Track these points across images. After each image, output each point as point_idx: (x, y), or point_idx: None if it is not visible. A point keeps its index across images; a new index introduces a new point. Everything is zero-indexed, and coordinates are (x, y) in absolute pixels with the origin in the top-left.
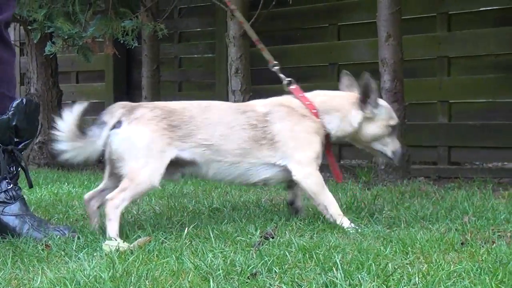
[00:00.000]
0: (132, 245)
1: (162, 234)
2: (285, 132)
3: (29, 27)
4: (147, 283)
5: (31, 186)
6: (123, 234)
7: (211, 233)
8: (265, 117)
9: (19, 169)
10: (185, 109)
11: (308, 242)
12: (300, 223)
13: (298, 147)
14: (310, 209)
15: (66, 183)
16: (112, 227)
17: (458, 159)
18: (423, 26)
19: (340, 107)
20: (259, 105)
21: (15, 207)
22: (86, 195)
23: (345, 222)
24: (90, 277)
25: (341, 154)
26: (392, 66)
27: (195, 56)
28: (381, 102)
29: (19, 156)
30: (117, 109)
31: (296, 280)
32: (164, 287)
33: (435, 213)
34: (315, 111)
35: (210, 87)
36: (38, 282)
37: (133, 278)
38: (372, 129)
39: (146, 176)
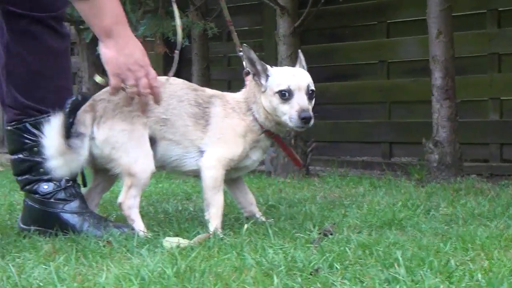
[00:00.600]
0: (192, 242)
1: (220, 230)
2: (216, 118)
3: (81, 27)
4: (211, 279)
5: (85, 185)
6: (182, 230)
7: (269, 230)
8: (210, 98)
9: None
10: None
11: (367, 239)
12: (357, 220)
13: (218, 140)
14: (365, 206)
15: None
16: (139, 225)
17: (510, 157)
18: (473, 23)
19: (249, 94)
20: (208, 89)
21: (74, 205)
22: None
23: (218, 227)
24: (154, 273)
25: (392, 151)
26: (443, 63)
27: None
28: (274, 70)
29: None
30: (82, 116)
31: (358, 276)
32: (227, 283)
33: (492, 210)
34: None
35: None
36: (103, 277)
37: (196, 274)
38: (265, 102)
39: (142, 166)
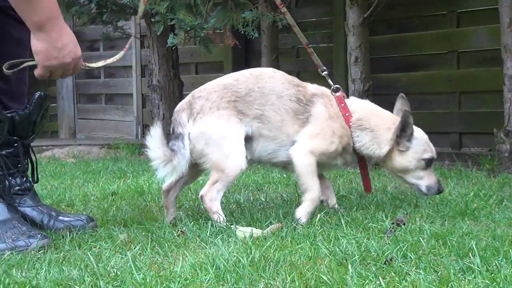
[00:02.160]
0: (265, 231)
1: (292, 220)
2: (319, 118)
3: (151, 20)
4: (285, 268)
5: (37, 181)
6: (255, 220)
7: (341, 220)
8: (312, 97)
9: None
10: (239, 81)
11: (440, 229)
12: (429, 210)
13: (317, 135)
14: (437, 196)
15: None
16: (220, 218)
17: None
18: None
19: (374, 127)
20: (310, 86)
21: (29, 199)
22: (165, 186)
23: (309, 210)
24: (230, 262)
25: (461, 141)
26: None
27: (313, 45)
28: (418, 134)
29: (33, 151)
30: (179, 115)
31: (432, 266)
32: (302, 272)
33: None
34: (348, 121)
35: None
36: (179, 266)
37: (271, 263)
38: (403, 161)
39: (233, 163)
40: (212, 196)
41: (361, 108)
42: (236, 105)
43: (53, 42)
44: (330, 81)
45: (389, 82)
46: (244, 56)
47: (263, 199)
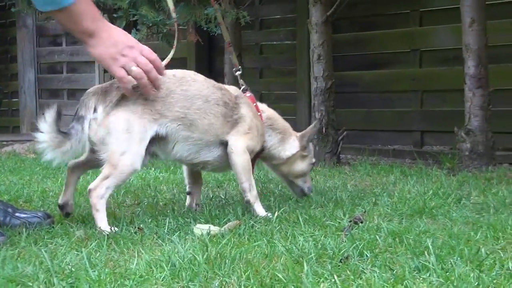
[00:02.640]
0: (222, 229)
1: (251, 218)
2: (247, 118)
3: (114, 15)
4: (241, 266)
5: None
6: (213, 217)
7: (300, 218)
8: (236, 100)
9: None
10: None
11: (397, 227)
12: (387, 209)
13: (248, 134)
14: (396, 194)
15: (153, 168)
16: (101, 218)
17: None
18: (507, 11)
19: (282, 129)
20: (230, 88)
21: None
22: (70, 163)
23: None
24: (185, 259)
25: (423, 140)
26: (476, 51)
27: (276, 43)
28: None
29: None
30: (90, 99)
31: (388, 264)
32: (258, 269)
33: None
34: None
35: (291, 74)
36: (135, 264)
37: (227, 260)
38: (303, 165)
39: (127, 161)
40: (100, 192)
41: (266, 108)
42: (155, 104)
43: (106, 41)
44: (241, 81)
45: (352, 80)
46: (208, 53)
47: (222, 196)
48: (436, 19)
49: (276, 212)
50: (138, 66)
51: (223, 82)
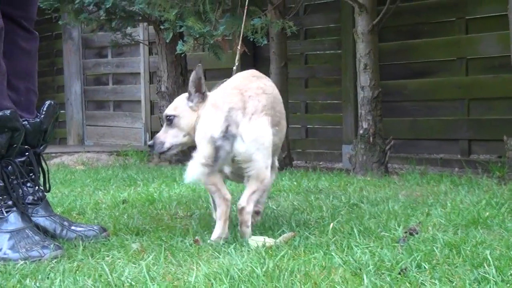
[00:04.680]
0: (278, 241)
1: (305, 229)
2: None
3: (160, 27)
4: (300, 278)
5: (49, 190)
6: (267, 229)
7: (354, 229)
8: None
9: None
10: (269, 87)
11: (453, 238)
12: (441, 219)
13: None
14: (449, 204)
15: None
16: (249, 233)
17: None
18: None
19: None
20: None
21: (41, 209)
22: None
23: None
24: (244, 272)
25: (470, 148)
26: None
27: (321, 52)
28: None
29: (44, 159)
30: (236, 114)
31: (447, 276)
32: (316, 282)
33: None
34: None
35: (336, 83)
36: (193, 276)
37: (285, 273)
38: None
39: (271, 174)
40: (250, 208)
41: None
42: (271, 113)
43: None
44: None
45: (397, 89)
46: (253, 63)
47: (274, 207)
48: (482, 27)
49: (332, 224)
50: None
51: None
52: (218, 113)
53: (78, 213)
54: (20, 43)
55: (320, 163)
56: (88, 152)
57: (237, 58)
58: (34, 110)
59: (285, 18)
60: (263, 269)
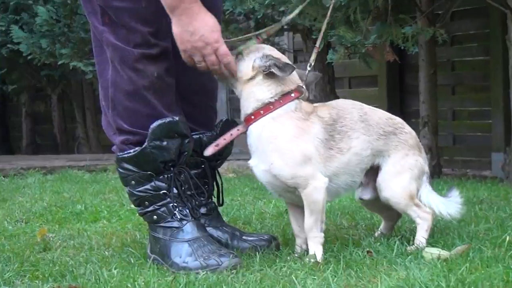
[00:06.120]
0: (452, 253)
1: (476, 241)
2: None
3: (313, 36)
4: None
5: (222, 204)
6: (437, 240)
7: None
8: None
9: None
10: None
11: None
12: None
13: None
14: None
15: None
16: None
17: None
18: None
19: None
20: None
21: (214, 219)
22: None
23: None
24: (430, 286)
25: None
26: None
27: (469, 58)
28: None
29: (219, 174)
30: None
31: None
32: None
33: None
34: None
35: (485, 90)
36: None
37: (471, 287)
38: None
39: None
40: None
41: None
42: None
43: (185, 26)
44: None
45: None
46: (398, 70)
47: (440, 218)
48: None
49: (508, 237)
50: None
51: (413, 100)
52: None
53: (244, 223)
54: None
55: (468, 170)
56: (238, 159)
57: (312, 58)
58: (212, 126)
59: (436, 26)
60: (447, 284)
